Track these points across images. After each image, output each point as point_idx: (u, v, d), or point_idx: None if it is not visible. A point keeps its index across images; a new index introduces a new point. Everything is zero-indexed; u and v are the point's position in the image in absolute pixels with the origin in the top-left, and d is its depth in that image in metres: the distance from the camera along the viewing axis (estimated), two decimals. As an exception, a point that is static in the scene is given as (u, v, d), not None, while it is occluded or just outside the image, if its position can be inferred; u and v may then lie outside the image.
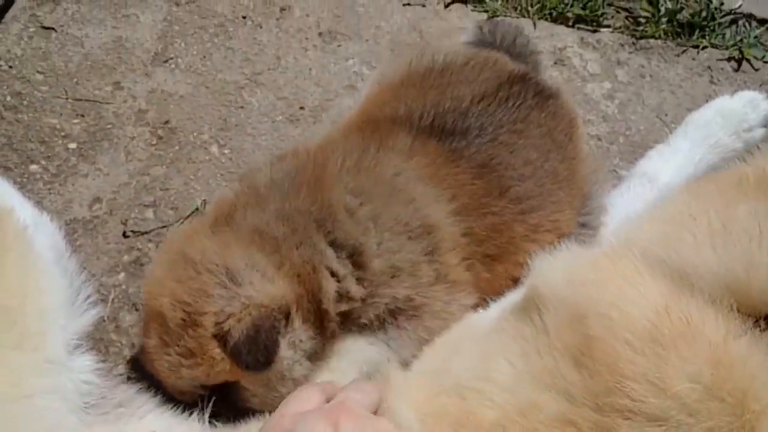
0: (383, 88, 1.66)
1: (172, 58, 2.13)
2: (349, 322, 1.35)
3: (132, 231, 1.78)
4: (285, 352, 1.28)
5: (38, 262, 1.23)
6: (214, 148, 1.95)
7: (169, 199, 1.85)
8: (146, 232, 1.78)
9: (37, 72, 2.07)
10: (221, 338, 1.25)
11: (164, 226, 1.79)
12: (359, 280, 1.33)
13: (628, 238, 1.14)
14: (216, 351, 1.25)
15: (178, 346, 1.27)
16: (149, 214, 1.82)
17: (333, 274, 1.32)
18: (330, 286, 1.31)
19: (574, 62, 2.20)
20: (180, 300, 1.27)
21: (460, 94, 1.53)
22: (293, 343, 1.29)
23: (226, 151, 1.95)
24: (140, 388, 1.33)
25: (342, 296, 1.32)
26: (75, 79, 2.06)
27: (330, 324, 1.33)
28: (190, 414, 1.28)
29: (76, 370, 1.20)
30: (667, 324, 0.92)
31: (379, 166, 1.41)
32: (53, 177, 1.87)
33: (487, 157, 1.46)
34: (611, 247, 1.12)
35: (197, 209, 1.82)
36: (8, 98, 2.00)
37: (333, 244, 1.34)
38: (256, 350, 1.23)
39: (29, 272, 1.19)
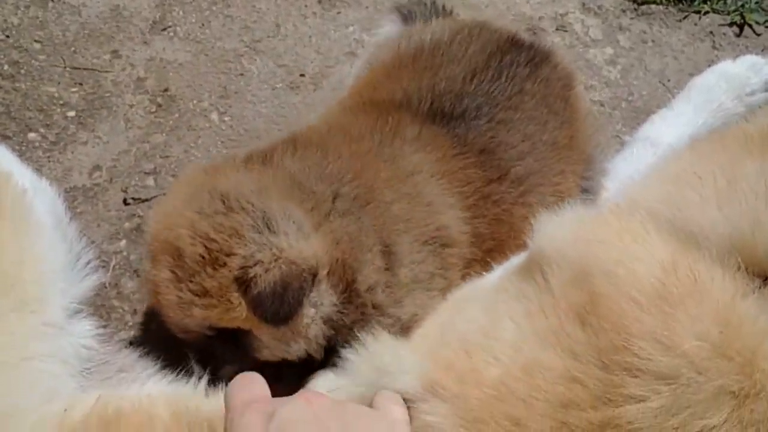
0: (376, 70, 1.64)
1: (170, 26, 2.11)
2: (359, 327, 1.29)
3: (133, 198, 1.77)
4: (306, 309, 1.23)
5: (36, 227, 1.21)
6: (214, 116, 1.94)
7: (169, 166, 1.84)
8: (147, 200, 1.78)
9: (35, 41, 2.05)
10: (243, 284, 1.19)
11: (165, 194, 1.78)
12: (386, 285, 1.30)
13: (632, 198, 1.13)
14: (235, 295, 1.19)
15: (192, 282, 1.21)
16: (150, 181, 1.81)
17: (372, 261, 1.28)
18: (369, 268, 1.27)
19: (576, 28, 2.19)
20: (203, 235, 1.20)
21: (452, 74, 1.51)
22: (315, 303, 1.24)
23: (226, 119, 1.94)
24: (142, 354, 1.31)
25: (372, 288, 1.28)
26: (72, 48, 2.04)
27: (358, 303, 1.28)
28: (190, 379, 1.25)
29: (76, 334, 1.19)
30: (675, 282, 0.90)
31: (399, 159, 1.38)
32: (52, 145, 1.86)
33: (487, 140, 1.44)
34: (617, 206, 1.10)
35: (198, 176, 1.80)
36: (6, 67, 1.99)
37: (376, 229, 1.30)
38: (279, 306, 1.18)
39: (27, 236, 1.18)
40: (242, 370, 0.96)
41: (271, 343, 1.27)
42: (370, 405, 0.95)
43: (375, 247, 1.28)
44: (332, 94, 1.97)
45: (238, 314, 1.21)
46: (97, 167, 1.82)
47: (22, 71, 1.98)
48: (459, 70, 1.51)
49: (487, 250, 1.42)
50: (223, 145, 1.89)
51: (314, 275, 1.22)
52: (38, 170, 1.77)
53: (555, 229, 1.11)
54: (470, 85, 1.49)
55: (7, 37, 2.05)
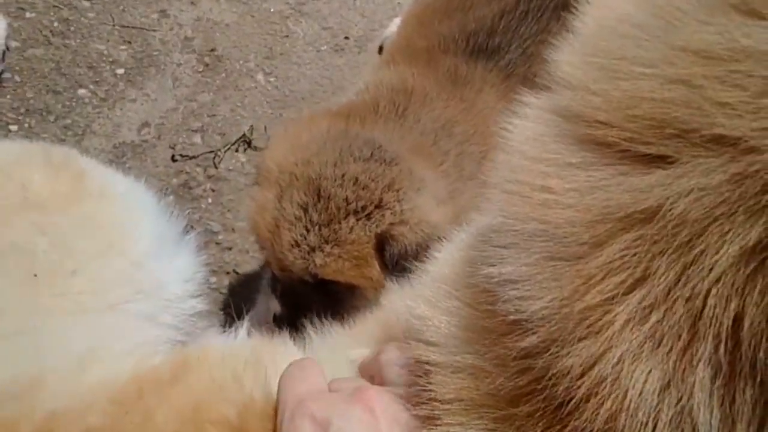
0: (417, 14, 1.63)
1: (217, -13, 2.13)
2: None
3: (180, 155, 1.80)
4: None
5: (118, 185, 1.23)
6: (260, 76, 1.96)
7: (216, 125, 1.86)
8: (194, 157, 1.80)
9: (84, -1, 2.08)
10: (381, 240, 1.13)
11: (211, 151, 1.81)
12: None
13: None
14: (369, 251, 1.13)
15: (327, 227, 1.13)
16: (197, 139, 1.83)
17: None
18: None
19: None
20: (355, 180, 1.12)
21: (481, 14, 1.49)
22: None
23: (271, 79, 1.96)
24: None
25: None
26: (121, 7, 2.07)
27: None
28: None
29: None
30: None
31: (475, 104, 1.37)
32: (101, 101, 1.89)
33: (525, 70, 1.44)
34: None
35: (244, 135, 1.83)
36: (56, 24, 2.01)
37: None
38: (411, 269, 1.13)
39: (109, 189, 1.20)
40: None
41: (374, 302, 1.17)
42: None
43: None
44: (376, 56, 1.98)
45: (361, 271, 1.15)
46: (146, 124, 1.85)
47: (72, 28, 2.01)
48: (488, 11, 1.50)
49: None
50: (268, 105, 1.91)
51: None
52: (88, 126, 1.81)
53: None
54: (499, 24, 1.48)
55: (57, -6, 2.08)
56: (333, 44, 2.05)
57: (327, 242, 1.13)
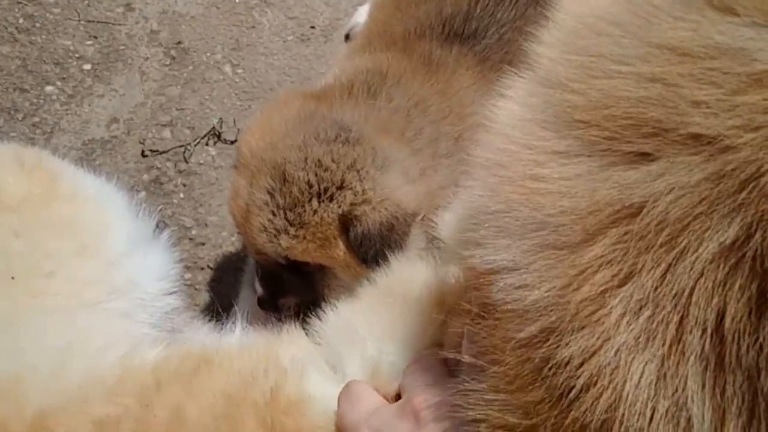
0: (386, 5, 1.65)
1: (181, -21, 2.13)
2: None
3: (150, 150, 1.81)
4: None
5: (90, 186, 1.25)
6: (228, 68, 1.97)
7: (185, 118, 1.87)
8: (164, 152, 1.82)
9: (48, -6, 2.07)
10: (345, 221, 1.15)
11: (181, 146, 1.82)
12: None
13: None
14: (333, 232, 1.15)
15: (291, 212, 1.15)
16: (166, 133, 1.85)
17: None
18: None
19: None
20: (316, 162, 1.15)
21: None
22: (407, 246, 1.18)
23: (239, 71, 1.97)
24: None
25: None
26: (86, 1, 2.07)
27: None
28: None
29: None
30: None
31: (450, 87, 1.38)
32: (69, 98, 1.89)
33: (503, 54, 1.46)
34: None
35: (214, 128, 1.84)
36: (21, 20, 2.01)
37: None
38: (380, 248, 1.13)
39: (81, 190, 1.21)
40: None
41: (348, 282, 1.21)
42: None
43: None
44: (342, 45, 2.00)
45: (328, 252, 1.17)
46: (114, 120, 1.86)
47: (37, 24, 2.01)
48: None
49: None
50: (237, 97, 1.92)
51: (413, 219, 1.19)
52: (56, 123, 1.82)
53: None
54: (476, 9, 1.49)
55: (21, -10, 2.07)
56: (299, 34, 2.06)
57: (292, 225, 1.16)
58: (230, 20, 2.07)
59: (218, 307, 1.32)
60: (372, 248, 1.14)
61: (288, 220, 1.16)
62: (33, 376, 0.90)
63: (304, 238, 1.16)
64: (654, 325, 0.42)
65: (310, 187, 1.14)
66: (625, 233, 0.42)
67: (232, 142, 1.83)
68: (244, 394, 0.83)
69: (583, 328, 0.44)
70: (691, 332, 0.40)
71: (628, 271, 0.42)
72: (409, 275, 1.00)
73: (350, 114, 1.23)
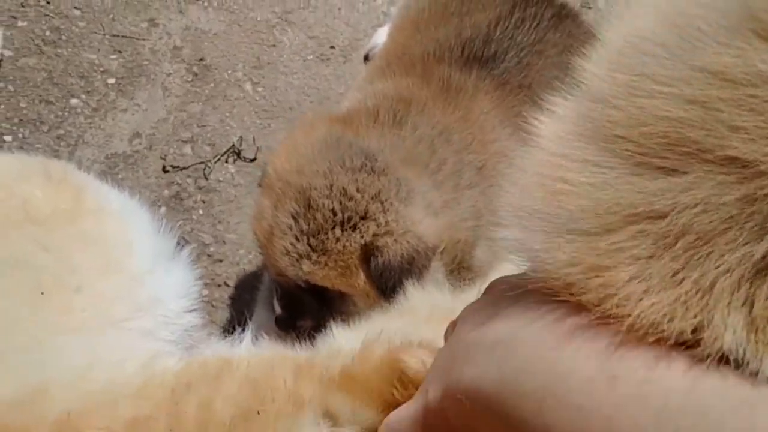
0: (410, 19, 1.67)
1: (205, -4, 2.17)
2: None
3: (171, 166, 1.85)
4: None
5: (114, 201, 1.28)
6: (248, 86, 2.01)
7: (205, 135, 1.91)
8: (185, 168, 1.85)
9: (74, 8, 2.11)
10: (367, 250, 1.16)
11: (202, 162, 1.86)
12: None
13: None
14: (355, 261, 1.16)
15: (314, 237, 1.16)
16: (187, 149, 1.88)
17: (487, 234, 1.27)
18: (484, 242, 1.26)
19: (600, 5, 2.24)
20: (342, 191, 1.15)
21: (477, 21, 1.54)
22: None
23: (259, 89, 2.00)
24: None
25: (483, 261, 1.28)
26: (111, 15, 2.11)
27: (465, 276, 1.27)
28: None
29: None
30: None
31: (470, 113, 1.40)
32: (93, 112, 1.93)
33: (521, 78, 1.48)
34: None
35: (233, 146, 1.88)
36: (47, 33, 2.05)
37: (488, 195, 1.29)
38: (399, 280, 1.13)
39: (106, 205, 1.24)
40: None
41: (364, 309, 1.21)
42: None
43: (489, 215, 1.27)
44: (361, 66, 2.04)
45: (349, 280, 1.18)
46: (137, 134, 1.90)
47: (63, 38, 2.05)
48: (483, 18, 1.54)
49: None
50: (256, 115, 1.95)
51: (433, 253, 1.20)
52: (81, 136, 1.85)
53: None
54: (495, 31, 1.51)
55: (48, 3, 2.11)
56: (319, 53, 2.09)
57: (314, 251, 1.17)
58: (251, 38, 2.10)
59: (235, 323, 1.34)
60: (391, 279, 1.15)
61: (311, 246, 1.17)
62: (56, 386, 0.92)
63: (326, 264, 1.17)
64: (678, 305, 0.43)
65: (334, 215, 1.16)
66: (645, 230, 0.44)
67: (252, 160, 1.87)
68: (269, 379, 0.85)
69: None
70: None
71: (647, 255, 0.44)
72: (421, 302, 1.03)
73: (376, 142, 1.24)
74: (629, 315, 0.43)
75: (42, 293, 1.07)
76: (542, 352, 0.48)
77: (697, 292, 0.42)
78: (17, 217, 1.19)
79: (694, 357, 0.42)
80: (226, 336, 1.24)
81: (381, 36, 1.99)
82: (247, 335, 1.09)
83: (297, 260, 1.19)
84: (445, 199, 1.25)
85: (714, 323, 0.41)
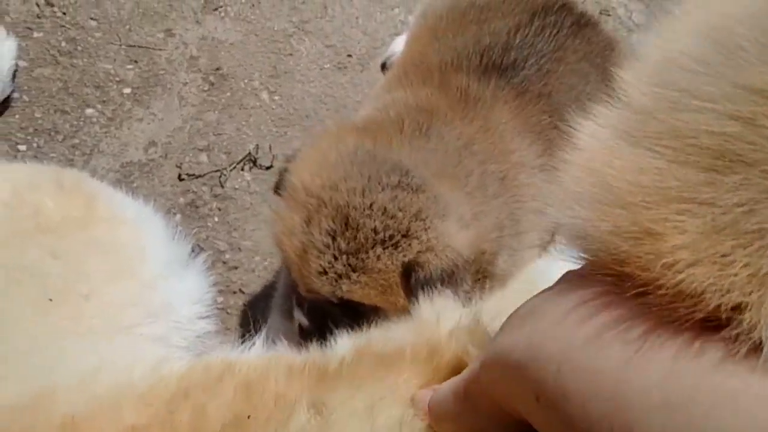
0: (428, 27, 1.65)
1: (221, 6, 2.16)
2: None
3: (187, 174, 1.83)
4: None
5: (127, 208, 1.26)
6: (265, 95, 1.99)
7: (222, 143, 1.89)
8: (200, 176, 1.83)
9: (91, 18, 2.10)
10: (407, 267, 1.13)
11: (217, 170, 1.84)
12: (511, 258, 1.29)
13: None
14: (395, 279, 1.12)
15: (354, 257, 1.13)
16: (203, 158, 1.86)
17: (510, 244, 1.26)
18: (506, 251, 1.25)
19: (620, 13, 2.20)
20: (383, 209, 1.12)
21: (496, 28, 1.51)
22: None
23: (276, 98, 1.99)
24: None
25: (505, 270, 1.27)
26: (127, 26, 2.10)
27: (488, 285, 1.25)
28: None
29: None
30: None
31: (489, 123, 1.38)
32: (109, 121, 1.92)
33: (541, 87, 1.46)
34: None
35: (249, 154, 1.86)
36: (63, 44, 2.04)
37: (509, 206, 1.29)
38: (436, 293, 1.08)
39: (119, 212, 1.22)
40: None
41: (394, 318, 1.13)
42: None
43: (510, 226, 1.27)
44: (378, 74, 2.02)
45: (394, 298, 1.15)
46: (153, 143, 1.88)
47: (79, 48, 2.04)
48: (503, 25, 1.52)
49: None
50: (273, 123, 1.94)
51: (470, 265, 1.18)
52: (96, 145, 1.84)
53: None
54: (514, 39, 1.49)
55: (64, 14, 2.10)
56: (336, 62, 2.07)
57: (354, 270, 1.13)
58: (268, 47, 2.09)
59: (250, 331, 1.32)
60: (430, 293, 1.08)
61: (350, 265, 1.13)
62: (62, 389, 0.91)
63: (366, 284, 1.14)
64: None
65: (376, 233, 1.12)
66: (692, 211, 0.44)
67: (268, 168, 1.85)
68: (264, 380, 0.83)
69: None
70: None
71: (698, 231, 0.44)
72: (429, 312, 1.01)
73: (407, 156, 1.21)
74: (675, 279, 0.43)
75: (50, 300, 1.05)
76: (562, 319, 0.51)
77: (747, 276, 0.41)
78: (28, 226, 1.18)
79: (725, 343, 0.42)
80: (240, 343, 1.22)
81: (398, 44, 1.98)
82: (260, 340, 1.06)
83: (335, 280, 1.15)
84: (475, 212, 1.22)
85: (755, 307, 0.41)
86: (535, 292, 0.60)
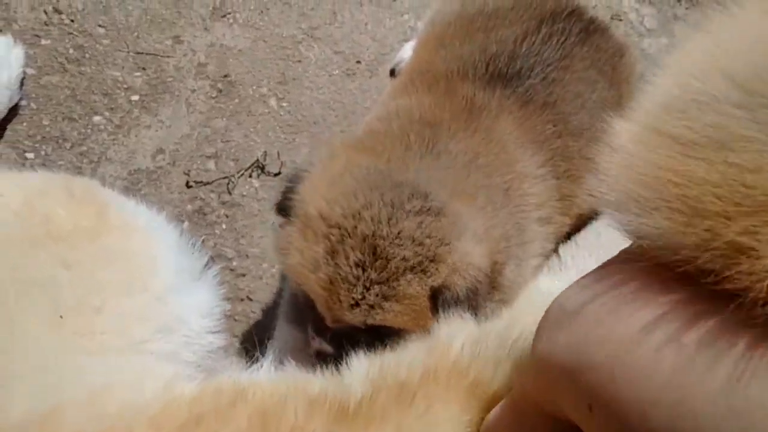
0: (435, 34, 1.64)
1: (230, 13, 2.15)
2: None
3: (195, 181, 1.82)
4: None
5: (139, 217, 1.25)
6: (273, 102, 1.98)
7: (230, 150, 1.88)
8: (208, 183, 1.83)
9: (98, 26, 2.10)
10: (436, 290, 1.12)
11: (225, 177, 1.83)
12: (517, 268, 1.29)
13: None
14: (425, 302, 1.12)
15: (386, 285, 1.12)
16: (211, 165, 1.86)
17: (517, 254, 1.26)
18: (513, 261, 1.25)
19: (631, 17, 2.19)
20: (409, 236, 1.11)
21: (503, 36, 1.51)
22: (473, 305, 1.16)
23: (284, 104, 1.98)
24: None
25: (512, 281, 1.26)
26: (135, 33, 2.09)
27: (496, 297, 1.24)
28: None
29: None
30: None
31: (492, 133, 1.37)
32: (116, 128, 1.91)
33: (546, 96, 1.45)
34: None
35: (257, 161, 1.85)
36: (71, 51, 2.04)
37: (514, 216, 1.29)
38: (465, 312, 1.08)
39: (131, 221, 1.21)
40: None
41: (414, 336, 1.13)
42: None
43: (516, 235, 1.27)
44: (387, 80, 2.01)
45: (425, 321, 1.12)
46: (160, 150, 1.88)
47: (87, 55, 2.03)
48: (510, 33, 1.51)
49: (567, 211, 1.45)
50: (281, 130, 1.93)
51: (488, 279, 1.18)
52: (104, 153, 1.84)
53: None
54: (521, 47, 1.49)
55: (72, 21, 2.10)
56: (345, 68, 2.07)
57: (386, 299, 1.12)
58: (277, 54, 2.08)
59: (256, 338, 1.31)
60: (457, 312, 1.08)
61: (383, 295, 1.12)
62: (72, 406, 0.90)
63: (399, 311, 1.13)
64: None
65: (406, 261, 1.11)
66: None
67: (276, 175, 1.84)
68: (280, 413, 0.82)
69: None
70: None
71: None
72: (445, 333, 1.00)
73: (422, 177, 1.20)
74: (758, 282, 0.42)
75: (61, 317, 1.04)
76: (609, 320, 0.49)
77: None
78: (38, 234, 1.17)
79: None
80: (246, 351, 1.22)
81: (407, 51, 1.97)
82: (268, 359, 1.05)
83: (368, 310, 1.13)
84: (486, 225, 1.22)
85: None
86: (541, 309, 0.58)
